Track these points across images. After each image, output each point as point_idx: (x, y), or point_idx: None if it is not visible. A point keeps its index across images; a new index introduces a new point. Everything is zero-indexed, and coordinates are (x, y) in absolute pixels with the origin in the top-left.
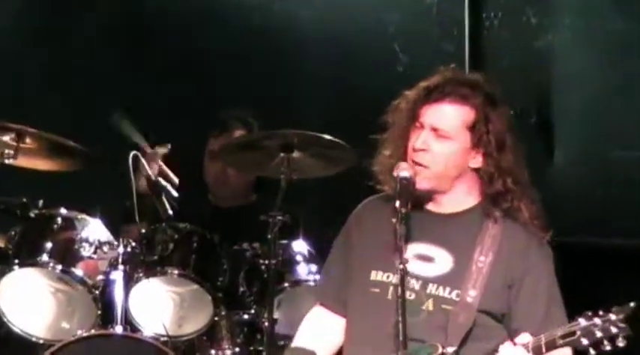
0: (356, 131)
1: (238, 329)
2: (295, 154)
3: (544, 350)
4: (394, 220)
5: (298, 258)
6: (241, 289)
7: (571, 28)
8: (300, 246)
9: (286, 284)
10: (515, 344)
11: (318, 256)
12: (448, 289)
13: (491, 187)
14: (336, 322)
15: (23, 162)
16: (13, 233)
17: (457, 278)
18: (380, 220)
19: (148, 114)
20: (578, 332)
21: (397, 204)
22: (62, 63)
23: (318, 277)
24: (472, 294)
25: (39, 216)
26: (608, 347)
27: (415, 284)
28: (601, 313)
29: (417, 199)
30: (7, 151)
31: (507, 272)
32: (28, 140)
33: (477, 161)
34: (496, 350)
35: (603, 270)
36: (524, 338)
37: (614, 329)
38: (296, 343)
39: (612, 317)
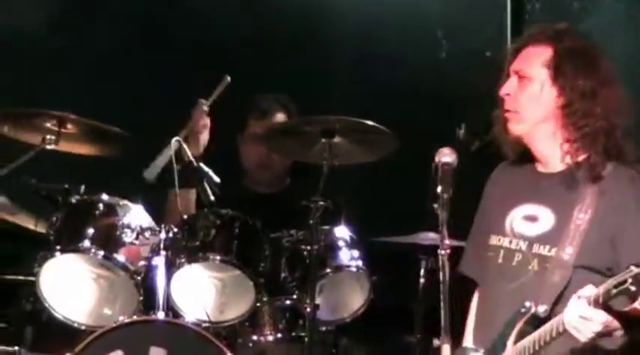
0: (396, 117)
1: (280, 315)
2: (336, 140)
3: (601, 300)
4: (435, 205)
5: (340, 243)
6: (283, 275)
7: (613, 11)
8: (341, 232)
9: (328, 270)
10: (579, 297)
11: (360, 241)
12: (548, 247)
13: (576, 124)
14: None
15: (65, 147)
16: (54, 219)
17: (556, 235)
18: (496, 184)
19: (181, 100)
20: (629, 280)
21: (439, 189)
22: (94, 50)
23: (359, 263)
24: (569, 251)
25: (80, 202)
26: None
27: (522, 244)
28: None
29: (526, 158)
30: (48, 137)
31: (605, 227)
32: (69, 126)
33: (561, 99)
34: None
35: None
36: (587, 290)
37: None
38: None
39: None
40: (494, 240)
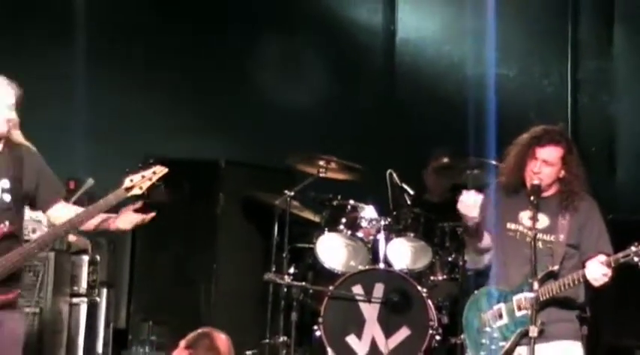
0: None
1: (445, 266)
2: (476, 172)
3: (613, 264)
4: (531, 201)
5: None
6: (446, 244)
7: None
8: None
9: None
10: (597, 262)
11: None
12: (549, 235)
13: (567, 185)
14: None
15: (330, 174)
16: (324, 214)
17: (552, 229)
18: (501, 193)
19: (372, 145)
20: (631, 254)
21: (532, 198)
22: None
23: None
24: (561, 237)
25: (338, 204)
26: None
27: (530, 233)
28: None
29: (517, 186)
30: (321, 170)
31: (578, 222)
32: (332, 164)
33: (562, 174)
34: (580, 266)
35: None
36: (600, 258)
37: None
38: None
39: None
40: (511, 226)
